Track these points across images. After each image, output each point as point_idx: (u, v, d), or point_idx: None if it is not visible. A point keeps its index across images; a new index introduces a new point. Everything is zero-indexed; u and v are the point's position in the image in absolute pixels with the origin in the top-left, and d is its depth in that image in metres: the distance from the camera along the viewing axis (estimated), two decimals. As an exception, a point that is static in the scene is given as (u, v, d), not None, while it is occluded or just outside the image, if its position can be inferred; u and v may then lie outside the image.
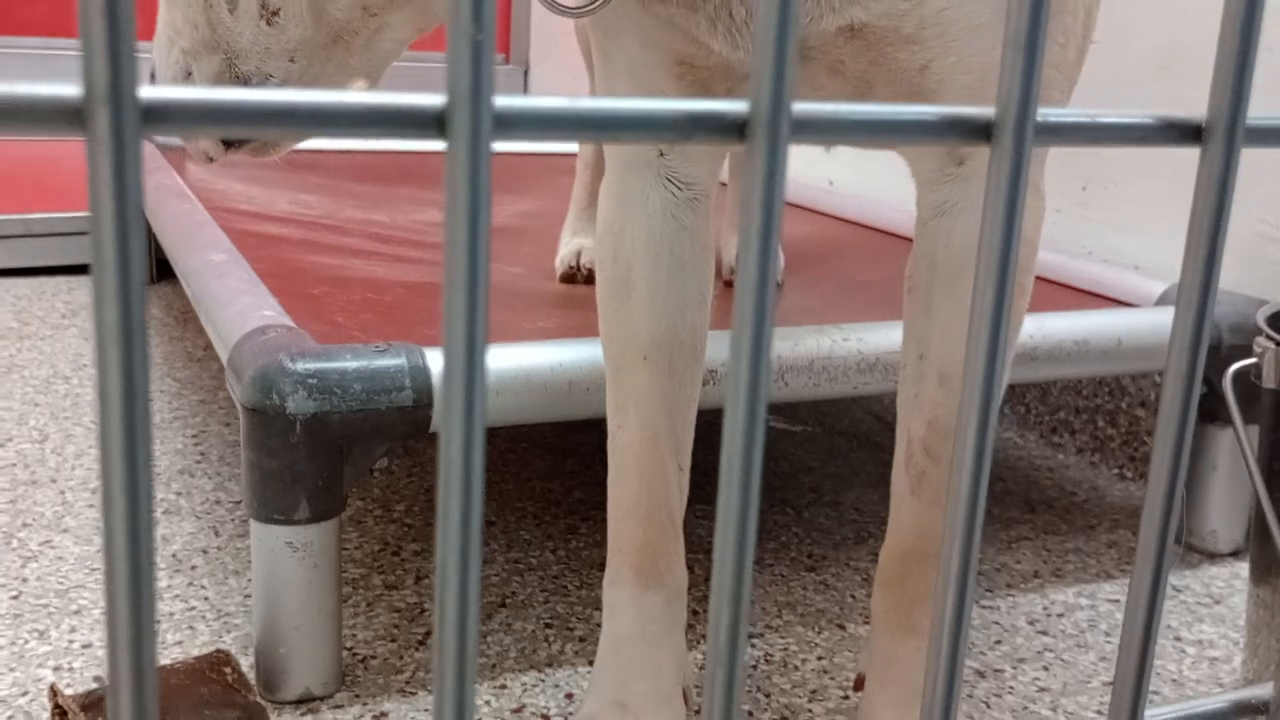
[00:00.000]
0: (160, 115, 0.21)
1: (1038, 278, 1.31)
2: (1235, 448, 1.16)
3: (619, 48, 0.70)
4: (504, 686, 0.90)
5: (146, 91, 0.21)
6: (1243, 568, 1.16)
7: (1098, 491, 1.35)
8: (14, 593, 1.00)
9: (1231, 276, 1.25)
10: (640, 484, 0.76)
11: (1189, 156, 1.29)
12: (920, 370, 0.72)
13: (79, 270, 2.08)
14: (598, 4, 0.63)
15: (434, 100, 0.23)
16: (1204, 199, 0.32)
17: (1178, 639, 1.03)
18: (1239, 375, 0.83)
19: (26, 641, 0.93)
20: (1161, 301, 1.25)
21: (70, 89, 0.20)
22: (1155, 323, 1.13)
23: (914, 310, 0.71)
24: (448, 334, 0.23)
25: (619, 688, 0.77)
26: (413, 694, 0.89)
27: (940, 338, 0.70)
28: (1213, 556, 1.19)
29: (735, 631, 0.28)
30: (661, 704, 0.77)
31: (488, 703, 0.88)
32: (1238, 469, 1.17)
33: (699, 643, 0.96)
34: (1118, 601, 1.10)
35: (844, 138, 0.27)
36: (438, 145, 0.24)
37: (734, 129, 0.25)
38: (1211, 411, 1.16)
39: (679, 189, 0.74)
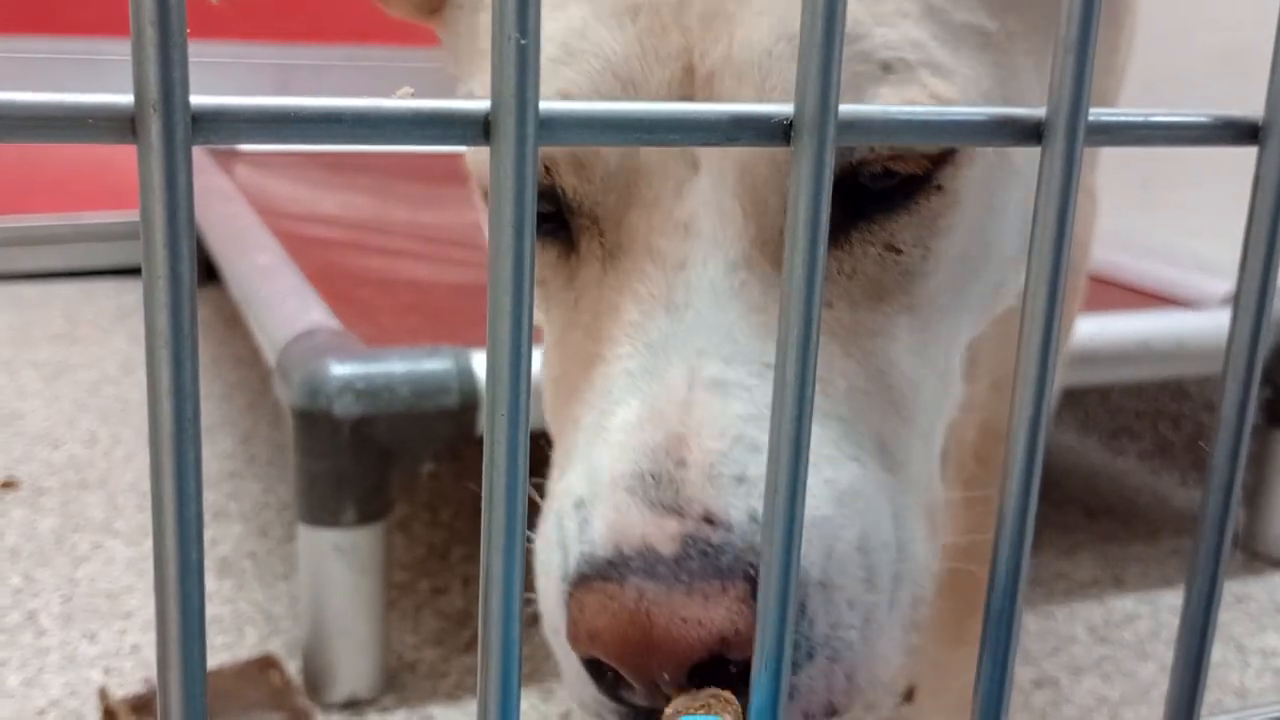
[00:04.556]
0: (211, 124, 0.21)
1: (1097, 278, 1.28)
2: (1302, 452, 1.13)
3: None
4: (550, 691, 0.89)
5: (197, 100, 0.21)
6: (1310, 576, 1.13)
7: (1159, 498, 1.32)
8: (65, 595, 1.01)
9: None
10: None
11: (1253, 152, 1.25)
12: (970, 375, 0.70)
13: (128, 273, 2.09)
14: None
15: (479, 105, 0.23)
16: (1263, 199, 0.32)
17: (1241, 648, 1.00)
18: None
19: (77, 644, 0.93)
20: (1226, 301, 1.22)
21: (122, 98, 0.21)
22: (1219, 324, 1.10)
23: None
24: (492, 336, 0.24)
25: None
26: (458, 699, 0.88)
27: (988, 340, 0.69)
28: (1278, 564, 1.16)
29: (781, 639, 0.28)
30: None
31: (534, 707, 0.87)
32: (1305, 474, 1.13)
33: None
34: (1180, 610, 1.07)
35: (892, 138, 0.27)
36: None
37: (780, 131, 0.25)
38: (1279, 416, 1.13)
39: None
